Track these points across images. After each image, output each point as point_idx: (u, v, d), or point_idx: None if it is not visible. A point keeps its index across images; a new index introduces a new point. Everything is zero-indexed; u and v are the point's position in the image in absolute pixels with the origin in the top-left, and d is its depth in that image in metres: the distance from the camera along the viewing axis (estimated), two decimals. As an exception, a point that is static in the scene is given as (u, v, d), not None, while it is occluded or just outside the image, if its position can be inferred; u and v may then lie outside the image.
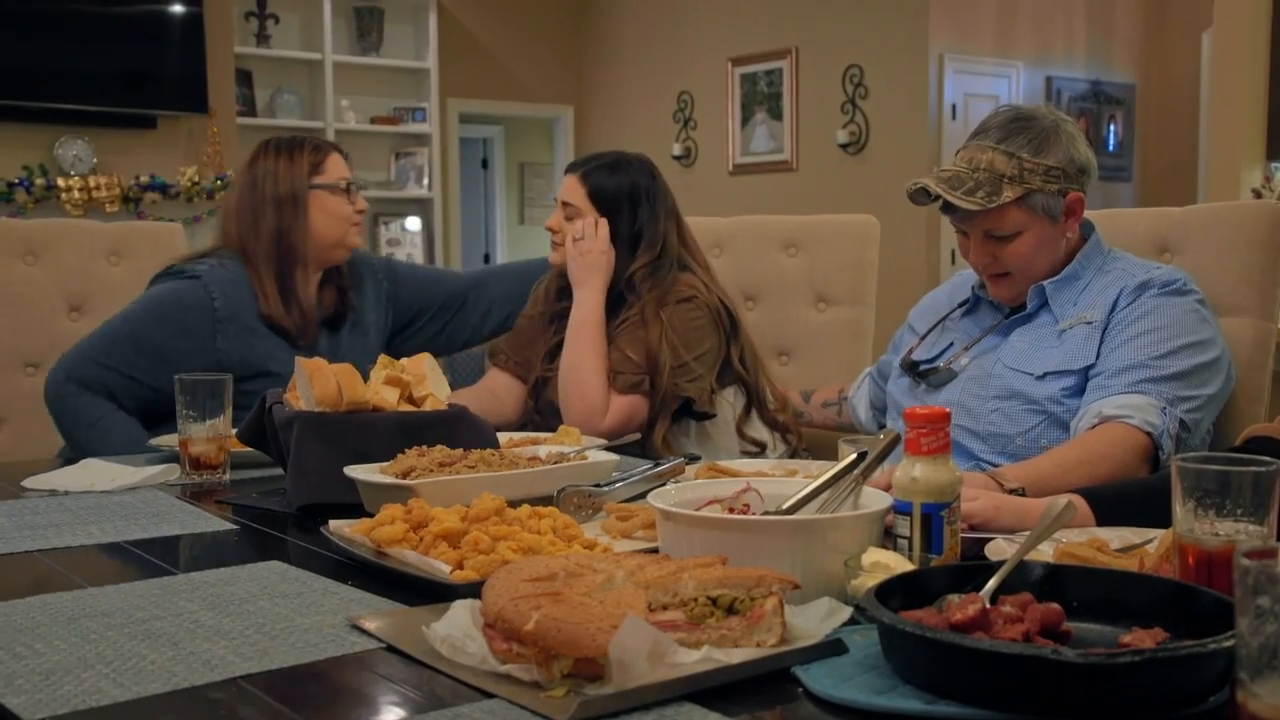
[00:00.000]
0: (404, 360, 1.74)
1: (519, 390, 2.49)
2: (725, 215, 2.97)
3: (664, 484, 1.52)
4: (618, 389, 2.21)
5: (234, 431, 1.85)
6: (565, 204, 2.35)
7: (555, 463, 1.64)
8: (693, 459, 1.75)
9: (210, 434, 1.83)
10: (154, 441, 2.10)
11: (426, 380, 1.70)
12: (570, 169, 2.39)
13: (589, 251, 2.29)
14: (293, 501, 1.61)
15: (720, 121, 8.42)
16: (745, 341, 2.37)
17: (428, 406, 1.71)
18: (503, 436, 1.84)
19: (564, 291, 2.40)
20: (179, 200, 6.91)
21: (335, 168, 2.39)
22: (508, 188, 10.78)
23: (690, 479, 1.60)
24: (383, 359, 1.73)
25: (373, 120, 8.33)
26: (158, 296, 2.28)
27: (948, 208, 1.93)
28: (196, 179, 6.92)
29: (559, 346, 2.33)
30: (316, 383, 1.66)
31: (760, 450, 2.31)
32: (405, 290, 2.60)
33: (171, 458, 1.95)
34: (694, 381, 2.25)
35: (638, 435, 2.16)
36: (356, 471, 1.55)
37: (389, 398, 1.68)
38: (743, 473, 1.61)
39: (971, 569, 1.07)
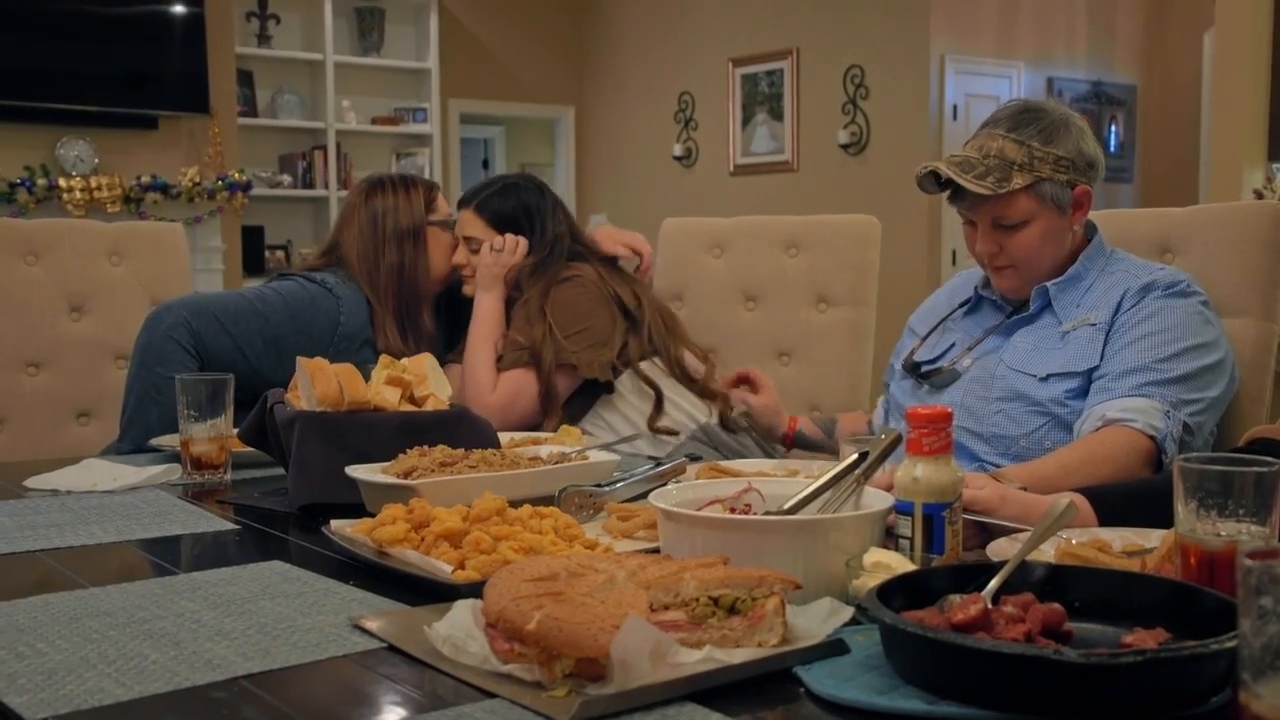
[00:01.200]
0: (405, 360, 1.74)
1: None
2: (726, 215, 2.98)
3: (665, 484, 1.52)
4: (503, 367, 2.33)
5: (235, 431, 1.86)
6: (468, 238, 2.48)
7: (556, 463, 1.64)
8: (694, 459, 1.75)
9: (211, 434, 1.83)
10: (155, 442, 2.10)
11: (428, 380, 1.70)
12: (463, 203, 2.51)
13: (503, 264, 2.43)
14: (294, 501, 1.61)
15: (721, 122, 8.42)
16: (658, 334, 2.44)
17: (429, 406, 1.71)
18: (503, 436, 1.84)
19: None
20: (180, 200, 6.92)
21: (443, 205, 2.51)
22: (507, 189, 10.90)
23: (691, 479, 1.60)
24: (384, 359, 1.73)
25: (374, 121, 8.35)
26: (293, 292, 2.34)
27: (956, 195, 1.94)
28: (198, 179, 6.93)
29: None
30: (318, 382, 1.66)
31: (675, 435, 2.38)
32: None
33: (173, 458, 1.95)
34: (580, 353, 2.33)
35: (638, 435, 2.18)
36: (358, 471, 1.55)
37: (390, 398, 1.68)
38: (744, 473, 1.60)
39: (973, 569, 1.07)
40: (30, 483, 1.84)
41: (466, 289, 2.49)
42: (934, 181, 1.94)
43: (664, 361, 2.39)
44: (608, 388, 2.36)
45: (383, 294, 2.38)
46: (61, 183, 6.59)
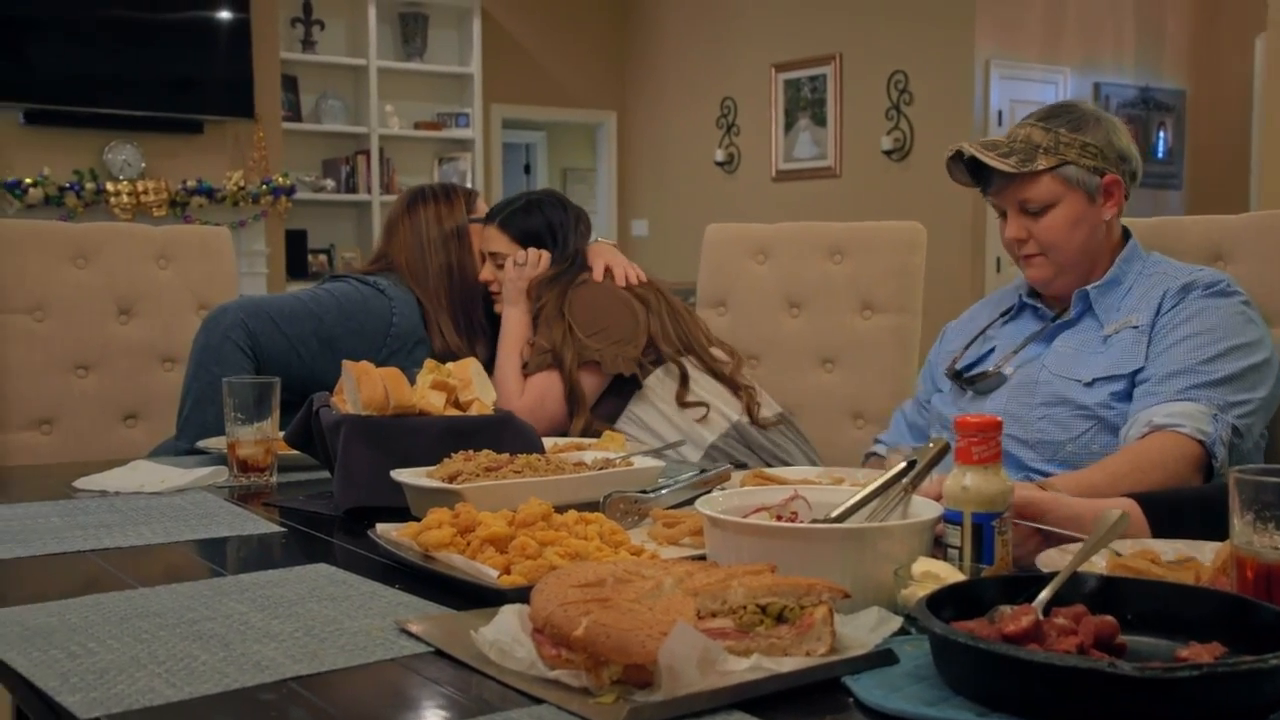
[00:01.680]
0: (450, 365, 1.75)
1: None
2: (768, 221, 2.97)
3: (710, 490, 1.51)
4: (527, 372, 2.36)
5: (281, 435, 1.86)
6: (493, 254, 2.51)
7: (601, 468, 1.63)
8: (739, 466, 1.74)
9: (258, 437, 1.84)
10: (202, 444, 2.12)
11: (473, 385, 1.71)
12: (488, 220, 2.54)
13: (526, 277, 2.47)
14: (340, 504, 1.61)
15: (763, 127, 8.40)
16: (675, 319, 2.46)
17: (474, 411, 1.71)
18: (548, 442, 1.84)
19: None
20: (225, 204, 6.98)
21: (483, 207, 2.57)
22: (550, 195, 10.92)
23: (736, 485, 1.59)
24: (429, 363, 1.73)
25: (416, 125, 8.38)
26: (346, 293, 2.38)
27: (986, 184, 1.94)
28: (242, 183, 6.99)
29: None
30: (364, 386, 1.66)
31: (705, 411, 2.37)
32: None
33: (219, 460, 1.96)
34: (603, 350, 2.34)
35: (683, 442, 2.18)
36: (403, 475, 1.55)
37: (435, 402, 1.68)
38: (790, 480, 1.59)
39: (1024, 580, 1.06)
40: (79, 483, 1.85)
41: (497, 307, 2.52)
42: (960, 166, 1.95)
43: (691, 355, 2.40)
44: (636, 383, 2.37)
45: (434, 294, 2.43)
46: (109, 187, 6.67)
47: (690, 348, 2.42)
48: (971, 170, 1.98)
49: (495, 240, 2.51)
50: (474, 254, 2.49)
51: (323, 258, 8.00)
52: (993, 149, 1.94)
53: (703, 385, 2.38)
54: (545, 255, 2.47)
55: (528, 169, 11.05)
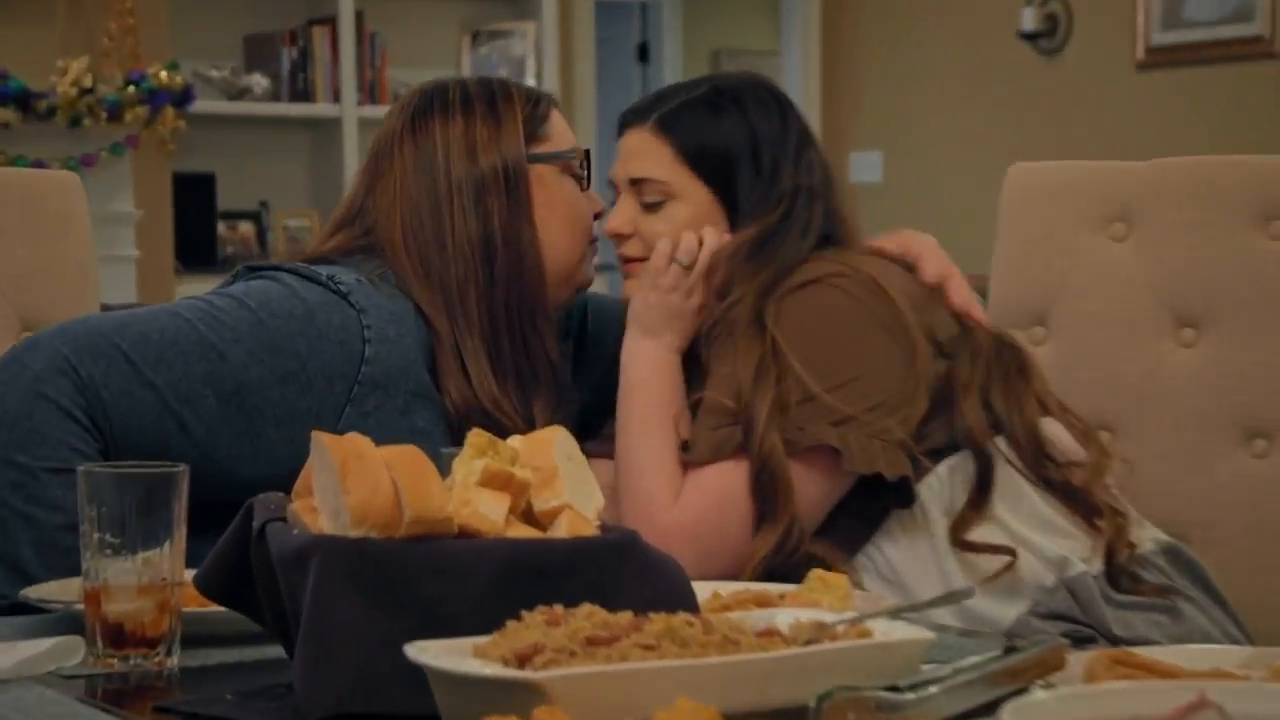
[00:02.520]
0: (514, 440, 1.15)
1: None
2: (1135, 153, 1.95)
3: (1027, 688, 1.00)
4: (692, 459, 1.50)
5: (190, 576, 1.28)
6: (637, 181, 1.59)
7: (809, 641, 1.07)
8: (1080, 641, 1.15)
9: (144, 579, 1.26)
10: (32, 594, 1.42)
11: (559, 479, 1.14)
12: (632, 118, 1.63)
13: (687, 290, 1.54)
14: (308, 711, 1.08)
15: None
16: (999, 387, 1.53)
17: (563, 530, 1.14)
18: (704, 589, 1.21)
19: None
20: (54, 124, 4.23)
21: (563, 128, 1.66)
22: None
23: (1076, 678, 1.04)
24: (474, 438, 1.13)
25: None
26: (273, 302, 1.54)
27: None
28: (89, 84, 4.23)
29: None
30: (353, 481, 1.09)
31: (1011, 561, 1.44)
32: (606, 338, 1.77)
33: (69, 623, 1.36)
34: (848, 427, 1.46)
35: (968, 592, 1.36)
36: (429, 653, 1.04)
37: (490, 512, 1.12)
38: (1186, 671, 1.04)
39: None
40: None
41: (629, 286, 1.61)
42: None
43: (1007, 440, 1.58)
44: (902, 497, 1.49)
45: (454, 297, 1.57)
46: None
47: (1001, 419, 1.49)
48: None
49: (643, 155, 1.58)
50: (537, 220, 1.58)
51: (246, 227, 5.20)
52: None
53: (1020, 505, 1.48)
54: (724, 236, 1.55)
55: (644, 52, 7.14)
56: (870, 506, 1.47)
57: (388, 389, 1.49)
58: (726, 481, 1.46)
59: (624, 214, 1.60)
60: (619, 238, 1.61)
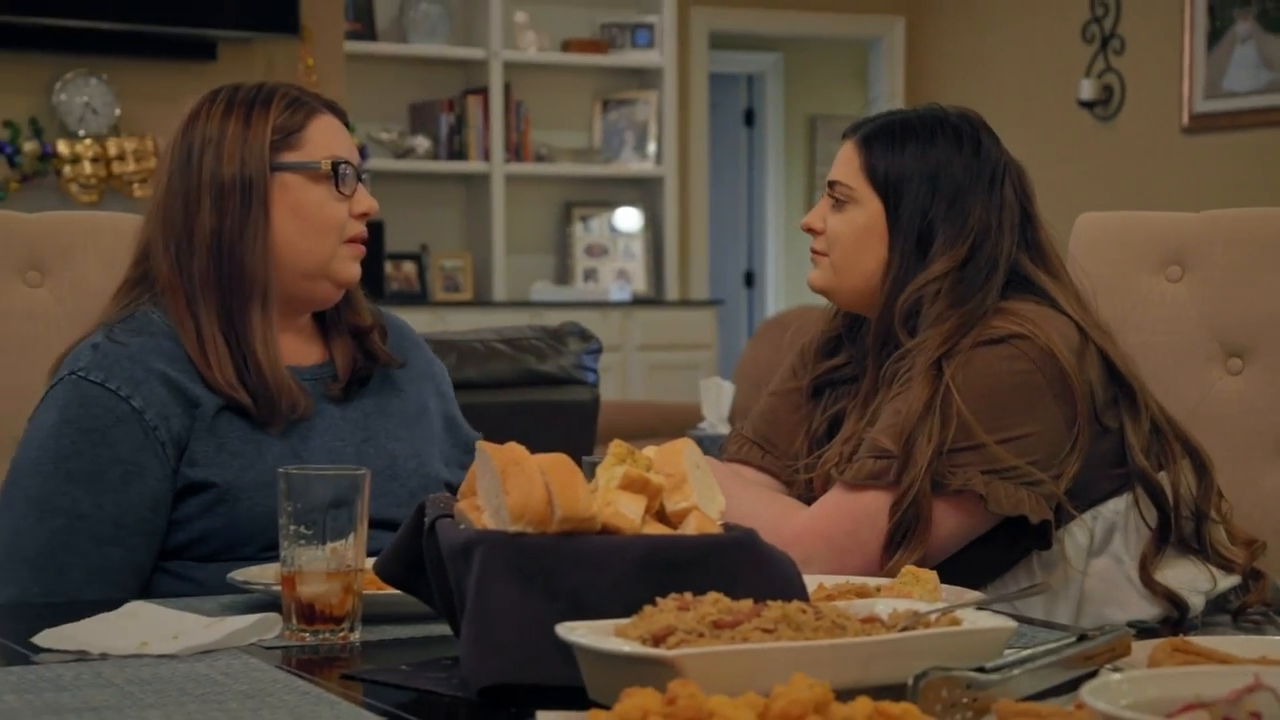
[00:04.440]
0: (650, 449, 1.28)
1: None
2: (1183, 205, 2.06)
3: (1096, 670, 1.11)
4: (847, 480, 1.55)
5: (371, 564, 1.42)
6: (833, 184, 1.68)
7: (906, 627, 1.18)
8: (1143, 629, 1.22)
9: (333, 565, 1.40)
10: (236, 576, 1.56)
11: (688, 484, 1.26)
12: (849, 131, 1.73)
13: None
14: (472, 680, 1.20)
15: (1169, 37, 5.57)
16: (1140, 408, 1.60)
17: (692, 528, 1.26)
18: (813, 581, 1.33)
19: (834, 345, 1.75)
20: None
21: (322, 137, 1.70)
22: (787, 158, 7.47)
23: (1141, 663, 1.15)
24: (616, 447, 1.27)
25: (565, 47, 5.80)
26: (62, 448, 1.60)
27: None
28: None
29: (832, 429, 1.67)
30: (512, 484, 1.23)
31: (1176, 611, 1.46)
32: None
33: (268, 603, 1.50)
34: (997, 476, 1.49)
35: (1043, 587, 1.45)
36: (577, 633, 1.16)
37: (629, 512, 1.24)
38: (1239, 658, 1.14)
39: None
40: (44, 639, 1.37)
41: (813, 276, 1.70)
42: None
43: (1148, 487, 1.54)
44: (1041, 538, 1.51)
45: (196, 287, 1.62)
46: (62, 148, 4.42)
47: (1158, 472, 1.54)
48: None
49: (842, 164, 1.67)
50: (270, 222, 1.63)
51: (409, 267, 5.76)
52: None
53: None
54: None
55: (749, 117, 7.63)
56: (1011, 547, 1.52)
57: (169, 414, 1.59)
58: (868, 503, 1.51)
59: (818, 211, 1.72)
60: (811, 231, 1.72)
